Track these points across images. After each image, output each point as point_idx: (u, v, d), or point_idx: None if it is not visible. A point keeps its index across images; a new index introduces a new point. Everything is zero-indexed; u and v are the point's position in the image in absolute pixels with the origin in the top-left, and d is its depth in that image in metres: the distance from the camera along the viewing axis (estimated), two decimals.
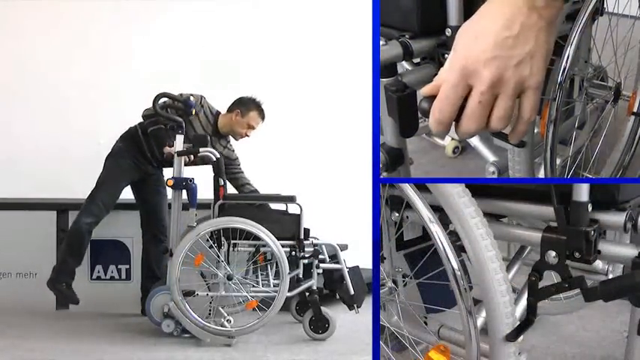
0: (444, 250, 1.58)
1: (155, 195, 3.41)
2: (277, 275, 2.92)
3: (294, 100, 4.21)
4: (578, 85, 2.37)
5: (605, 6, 2.14)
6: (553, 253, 1.49)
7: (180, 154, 3.06)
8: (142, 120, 3.26)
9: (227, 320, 2.89)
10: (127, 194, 3.40)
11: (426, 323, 2.10)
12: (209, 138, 3.25)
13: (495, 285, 1.54)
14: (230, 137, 3.40)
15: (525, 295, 1.56)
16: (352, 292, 2.99)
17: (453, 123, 0.91)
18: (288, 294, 2.90)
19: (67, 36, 4.14)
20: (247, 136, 3.34)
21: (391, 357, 2.07)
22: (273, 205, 3.22)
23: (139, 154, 3.32)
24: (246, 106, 3.31)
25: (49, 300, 3.57)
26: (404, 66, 1.90)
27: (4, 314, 3.36)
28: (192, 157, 3.16)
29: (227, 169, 3.20)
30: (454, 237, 1.61)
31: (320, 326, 2.97)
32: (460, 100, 0.88)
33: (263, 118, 3.36)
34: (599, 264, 1.75)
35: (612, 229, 1.57)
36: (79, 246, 3.20)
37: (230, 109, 3.34)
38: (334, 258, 3.04)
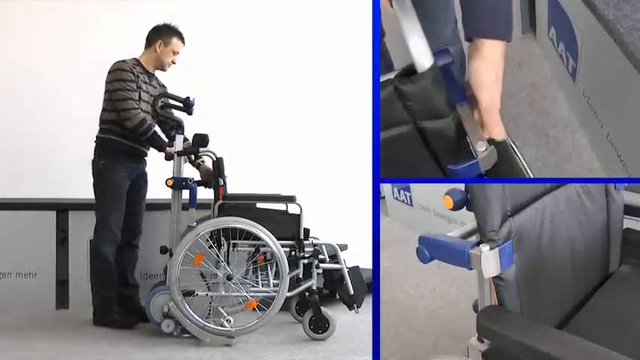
0: None
1: (138, 199, 3.30)
2: (277, 275, 2.91)
3: (295, 100, 4.21)
4: None
5: None
6: None
7: (180, 154, 3.06)
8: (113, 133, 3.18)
9: (227, 320, 2.89)
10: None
11: None
12: (150, 78, 3.22)
13: None
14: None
15: None
16: (352, 292, 2.98)
17: None
18: (288, 294, 2.90)
19: (66, 36, 4.14)
20: (174, 63, 3.31)
21: None
22: (273, 205, 3.21)
23: (136, 160, 3.26)
24: (167, 34, 3.28)
25: (49, 300, 3.57)
26: None
27: (4, 314, 3.35)
28: (192, 157, 3.16)
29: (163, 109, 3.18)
30: None
31: (320, 326, 2.97)
32: None
33: (184, 41, 3.32)
34: None
35: None
36: (111, 277, 3.18)
37: (149, 44, 3.29)
38: (334, 258, 3.04)
